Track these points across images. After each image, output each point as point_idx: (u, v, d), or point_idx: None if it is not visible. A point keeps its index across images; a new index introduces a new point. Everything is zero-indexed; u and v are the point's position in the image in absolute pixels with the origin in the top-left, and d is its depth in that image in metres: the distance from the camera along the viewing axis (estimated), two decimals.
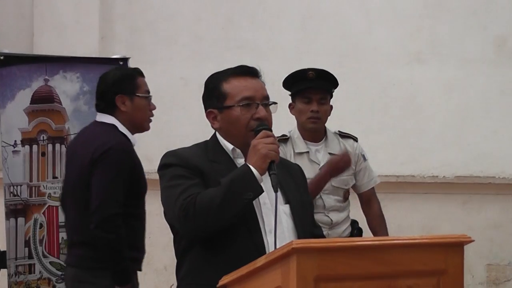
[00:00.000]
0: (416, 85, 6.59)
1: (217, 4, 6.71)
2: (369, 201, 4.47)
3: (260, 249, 2.76)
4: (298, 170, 3.20)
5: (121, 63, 4.75)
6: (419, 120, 6.56)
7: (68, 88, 4.62)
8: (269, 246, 2.79)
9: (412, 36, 6.60)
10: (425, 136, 6.55)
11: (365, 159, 4.43)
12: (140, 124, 4.03)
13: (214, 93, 3.00)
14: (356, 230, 4.41)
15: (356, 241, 2.58)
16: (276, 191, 2.78)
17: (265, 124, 2.94)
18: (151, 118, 4.09)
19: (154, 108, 4.09)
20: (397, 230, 6.36)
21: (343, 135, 4.43)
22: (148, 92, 4.05)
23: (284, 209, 2.95)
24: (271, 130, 2.93)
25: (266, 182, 2.85)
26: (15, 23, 6.70)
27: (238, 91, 2.96)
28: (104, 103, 3.97)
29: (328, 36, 6.62)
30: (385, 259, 2.44)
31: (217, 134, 3.03)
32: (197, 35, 6.71)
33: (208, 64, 6.28)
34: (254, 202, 2.86)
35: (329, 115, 4.35)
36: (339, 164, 4.16)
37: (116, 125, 3.94)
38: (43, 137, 4.56)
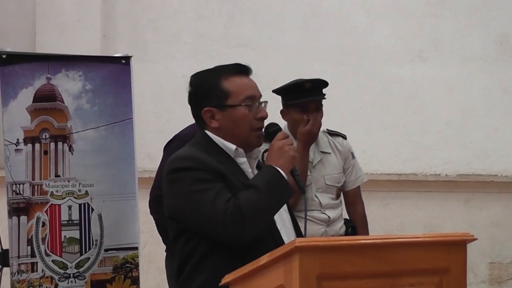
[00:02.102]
0: (418, 83, 6.59)
1: (219, 3, 6.71)
2: (354, 200, 4.45)
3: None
4: None
5: (123, 61, 4.74)
6: (421, 118, 6.56)
7: (71, 86, 4.61)
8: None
9: (414, 34, 6.60)
10: (427, 134, 6.55)
11: (353, 156, 4.42)
12: None
13: (213, 91, 2.93)
14: (350, 228, 4.40)
15: (359, 239, 2.58)
16: (304, 193, 2.86)
17: (275, 124, 2.96)
18: None
19: None
20: (399, 228, 6.37)
21: (332, 133, 4.41)
22: None
23: (283, 206, 2.95)
24: (282, 129, 2.98)
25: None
26: (17, 22, 6.70)
27: (241, 90, 2.92)
28: None
29: (330, 34, 6.62)
30: (387, 258, 2.44)
31: (211, 134, 2.96)
32: (199, 34, 6.71)
33: (210, 62, 6.19)
34: None
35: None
36: (306, 132, 4.14)
37: None
38: (45, 135, 4.55)
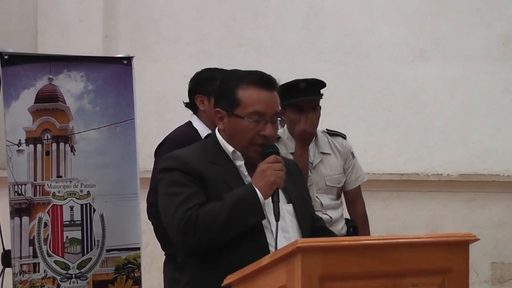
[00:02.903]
0: (420, 82, 6.60)
1: (220, 2, 6.71)
2: (354, 200, 4.45)
3: (265, 252, 2.71)
4: (295, 166, 3.21)
5: (125, 62, 4.74)
6: (423, 118, 6.56)
7: (72, 87, 4.61)
8: (277, 248, 2.76)
9: (416, 34, 6.60)
10: (429, 134, 6.55)
11: (353, 156, 4.41)
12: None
13: (227, 96, 2.93)
14: (352, 228, 4.40)
15: (361, 240, 2.58)
16: (277, 221, 2.78)
17: (274, 145, 2.93)
18: None
19: None
20: (401, 228, 6.37)
21: (332, 133, 4.41)
22: None
23: (288, 209, 2.95)
24: (279, 153, 2.92)
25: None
26: (19, 22, 6.70)
27: (251, 103, 2.89)
28: (190, 102, 4.30)
29: (331, 34, 6.62)
30: (390, 258, 2.44)
31: (218, 134, 3.00)
32: (200, 33, 6.71)
33: (212, 62, 6.26)
34: None
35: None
36: (299, 132, 4.14)
37: (192, 120, 4.27)
38: (47, 136, 4.55)
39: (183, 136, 4.14)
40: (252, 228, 2.83)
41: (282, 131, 4.31)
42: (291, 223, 2.94)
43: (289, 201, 2.97)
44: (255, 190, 2.81)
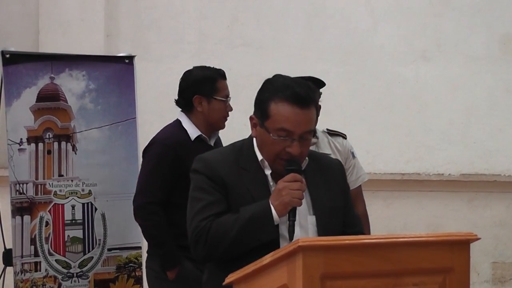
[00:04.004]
0: (422, 83, 6.59)
1: (222, 2, 6.71)
2: (355, 200, 4.42)
3: None
4: (338, 168, 3.13)
5: (126, 61, 4.75)
6: (424, 118, 6.56)
7: (74, 86, 4.62)
8: None
9: (417, 34, 6.59)
10: (431, 134, 6.55)
11: (353, 156, 4.40)
12: (216, 124, 4.18)
13: (262, 105, 2.89)
14: None
15: (362, 239, 2.57)
16: (291, 239, 2.76)
17: (296, 163, 2.87)
18: (227, 118, 4.20)
19: (231, 109, 4.18)
20: (403, 228, 6.37)
21: (332, 133, 4.40)
22: (227, 96, 4.15)
23: (311, 220, 2.93)
24: (301, 171, 2.87)
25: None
26: (21, 21, 6.70)
27: (280, 120, 2.84)
28: (183, 100, 4.18)
29: (333, 34, 6.62)
30: (391, 257, 2.44)
31: (254, 140, 2.99)
32: (202, 33, 6.71)
33: (213, 62, 6.24)
34: None
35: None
36: None
37: (181, 119, 4.16)
38: (49, 135, 4.56)
39: (172, 138, 4.10)
40: (269, 242, 2.81)
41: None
42: (313, 234, 2.91)
43: (313, 213, 2.93)
44: (270, 208, 2.80)
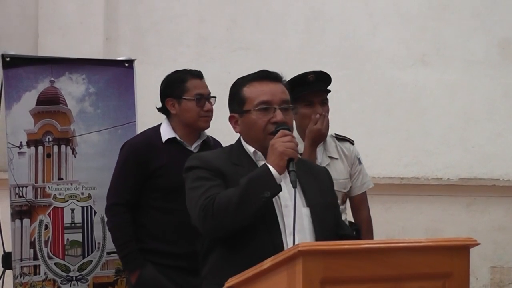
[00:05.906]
0: (420, 87, 6.60)
1: (221, 6, 6.72)
2: (359, 205, 4.44)
3: (278, 250, 2.68)
4: (325, 174, 3.27)
5: (126, 64, 4.75)
6: (423, 122, 6.57)
7: (74, 89, 4.63)
8: (289, 247, 2.76)
9: (416, 38, 6.60)
10: (429, 138, 6.55)
11: (360, 162, 4.40)
12: (194, 124, 4.14)
13: (235, 98, 3.07)
14: (355, 231, 4.39)
15: (362, 243, 2.58)
16: (295, 187, 2.81)
17: (284, 125, 2.97)
18: (207, 117, 4.15)
19: (209, 107, 4.14)
20: (401, 232, 6.37)
21: (340, 138, 4.39)
22: (200, 94, 4.11)
23: (305, 212, 2.97)
24: (290, 130, 2.97)
25: (287, 183, 2.89)
26: (20, 25, 6.71)
27: (256, 96, 3.02)
28: (162, 106, 4.20)
29: (332, 38, 6.63)
30: (391, 262, 2.45)
31: (241, 138, 3.10)
32: (201, 37, 6.72)
33: (213, 65, 6.29)
34: (275, 203, 2.91)
35: None
36: (315, 131, 4.11)
37: (162, 123, 4.18)
38: (48, 138, 4.56)
39: (142, 141, 4.15)
40: (268, 225, 2.87)
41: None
42: (308, 226, 2.96)
43: (307, 205, 3.00)
44: (267, 166, 2.86)
